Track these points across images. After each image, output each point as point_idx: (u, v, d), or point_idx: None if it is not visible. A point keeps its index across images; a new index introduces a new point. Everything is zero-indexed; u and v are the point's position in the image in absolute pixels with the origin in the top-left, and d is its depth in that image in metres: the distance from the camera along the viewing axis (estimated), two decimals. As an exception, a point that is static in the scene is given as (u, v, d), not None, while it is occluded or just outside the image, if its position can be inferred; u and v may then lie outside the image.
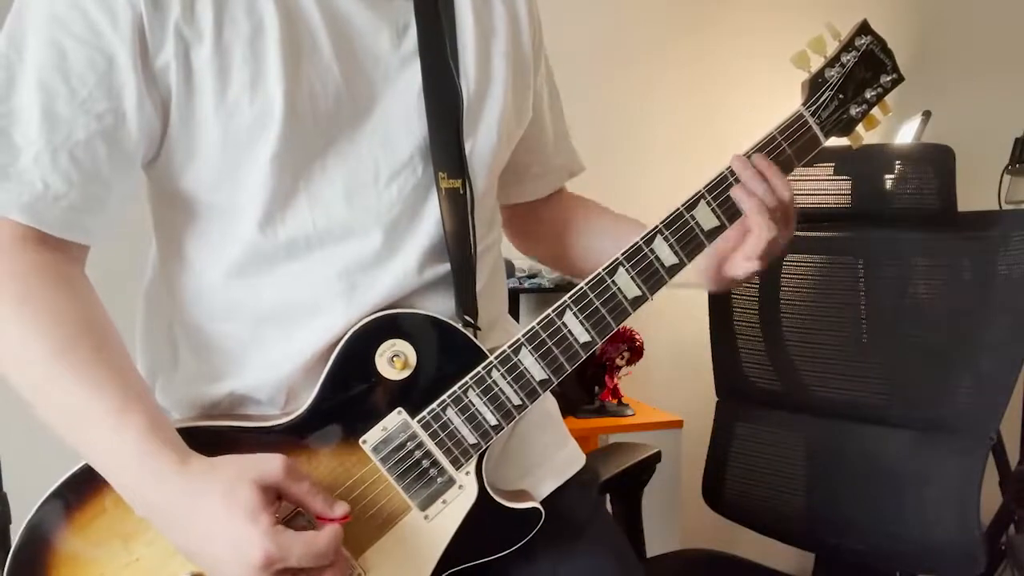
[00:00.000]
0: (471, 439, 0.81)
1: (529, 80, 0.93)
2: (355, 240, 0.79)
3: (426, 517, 0.81)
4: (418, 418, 0.80)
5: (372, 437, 0.79)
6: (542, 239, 1.08)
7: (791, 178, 1.46)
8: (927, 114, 2.22)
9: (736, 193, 0.87)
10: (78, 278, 0.76)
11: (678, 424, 2.06)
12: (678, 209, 0.86)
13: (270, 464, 0.70)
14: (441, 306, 0.82)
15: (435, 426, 0.80)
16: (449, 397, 0.80)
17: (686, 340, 2.15)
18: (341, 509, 0.73)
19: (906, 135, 2.25)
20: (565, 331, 0.83)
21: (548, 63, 1.01)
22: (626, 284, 0.84)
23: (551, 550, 0.89)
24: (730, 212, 0.88)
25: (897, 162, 1.46)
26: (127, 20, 0.70)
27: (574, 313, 0.83)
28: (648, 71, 2.40)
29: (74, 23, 0.71)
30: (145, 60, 0.72)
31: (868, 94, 0.94)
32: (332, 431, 0.79)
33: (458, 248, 0.82)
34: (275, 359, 0.80)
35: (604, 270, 0.84)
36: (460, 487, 0.81)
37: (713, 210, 0.87)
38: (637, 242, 0.85)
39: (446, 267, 0.83)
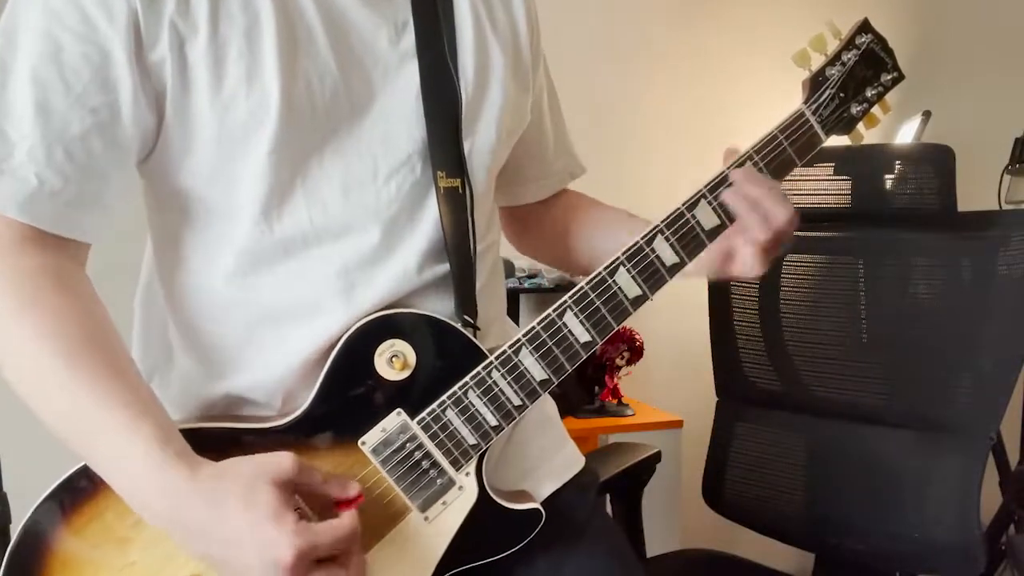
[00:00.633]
0: (471, 440, 0.81)
1: (528, 79, 0.93)
2: (353, 237, 0.79)
3: (426, 518, 0.80)
4: (418, 419, 0.79)
5: (371, 438, 0.79)
6: (544, 240, 1.08)
7: (791, 178, 1.46)
8: (927, 114, 2.22)
9: (729, 197, 0.86)
10: (81, 281, 0.75)
11: (678, 424, 2.06)
12: (679, 208, 0.86)
13: (282, 462, 0.70)
14: (440, 306, 0.82)
15: (435, 427, 0.80)
16: (449, 398, 0.80)
17: (686, 340, 2.15)
18: (354, 489, 0.74)
19: (906, 135, 2.25)
20: (566, 331, 0.83)
21: (547, 64, 1.00)
22: (627, 284, 0.84)
23: (551, 551, 0.89)
24: (731, 211, 0.87)
25: (897, 162, 1.46)
26: (122, 14, 0.70)
27: (575, 313, 0.83)
28: (646, 68, 2.40)
29: (69, 17, 0.70)
30: (140, 54, 0.72)
31: (868, 92, 0.94)
32: (331, 432, 0.78)
33: (457, 248, 0.82)
34: (272, 359, 0.79)
35: (605, 270, 0.84)
36: (460, 488, 0.81)
37: (714, 209, 0.87)
38: (638, 241, 0.85)
39: (445, 267, 0.82)
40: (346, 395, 0.79)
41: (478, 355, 0.81)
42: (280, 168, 0.76)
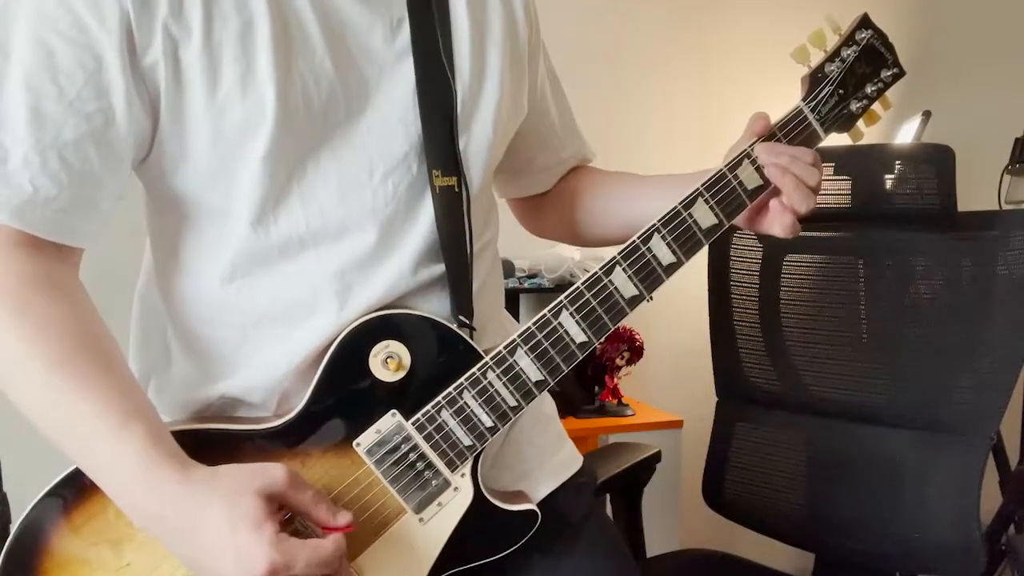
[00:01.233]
0: (466, 441, 0.80)
1: (525, 74, 0.92)
2: (349, 238, 0.79)
3: (421, 520, 0.80)
4: (412, 420, 0.79)
5: (366, 439, 0.79)
6: (556, 220, 1.06)
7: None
8: (927, 114, 2.22)
9: (771, 171, 0.86)
10: (74, 287, 0.75)
11: (678, 424, 2.06)
12: (675, 207, 0.85)
13: (273, 474, 0.69)
14: (436, 306, 0.82)
15: (430, 428, 0.79)
16: (444, 399, 0.80)
17: (686, 340, 2.15)
18: (344, 518, 0.73)
19: (906, 135, 2.25)
20: (561, 331, 0.82)
21: (548, 57, 1.00)
22: (623, 283, 0.84)
23: (548, 552, 0.88)
24: (728, 210, 0.87)
25: (897, 162, 1.46)
26: (115, 18, 0.70)
27: (570, 313, 0.82)
28: (646, 68, 2.40)
29: (61, 21, 0.70)
30: (133, 58, 0.71)
31: (868, 89, 0.93)
32: (325, 434, 0.78)
33: (453, 247, 0.82)
34: (268, 361, 0.79)
35: (601, 269, 0.83)
36: (455, 489, 0.81)
37: (711, 208, 0.86)
38: (634, 240, 0.84)
39: (441, 267, 0.82)
40: (341, 396, 0.78)
41: (473, 356, 0.81)
42: (276, 171, 0.76)
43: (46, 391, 0.70)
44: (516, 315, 1.99)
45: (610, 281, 0.83)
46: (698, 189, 0.86)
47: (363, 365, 0.78)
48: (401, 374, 0.79)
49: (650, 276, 0.84)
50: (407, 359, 0.79)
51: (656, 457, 1.49)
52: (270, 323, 0.79)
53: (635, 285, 0.84)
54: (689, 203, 0.86)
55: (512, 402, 0.81)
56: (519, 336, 0.81)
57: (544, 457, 0.95)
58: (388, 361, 0.78)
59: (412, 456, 0.79)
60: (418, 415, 0.79)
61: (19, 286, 0.71)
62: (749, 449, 1.59)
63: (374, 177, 0.79)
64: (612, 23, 2.36)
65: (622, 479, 1.43)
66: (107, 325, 0.75)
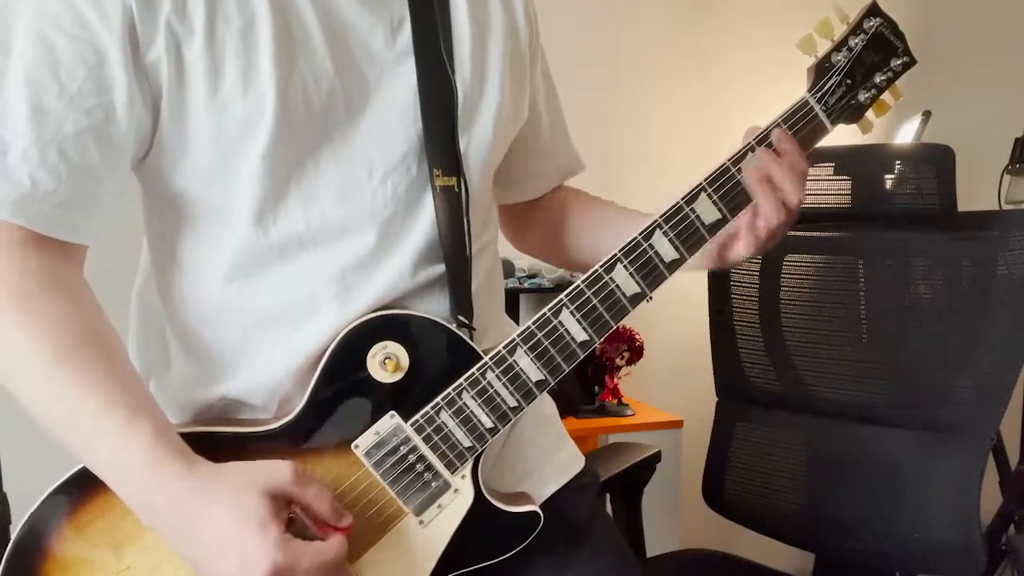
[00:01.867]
0: (466, 442, 0.80)
1: (526, 76, 0.92)
2: (349, 240, 0.78)
3: (421, 522, 0.80)
4: (411, 421, 0.79)
5: (364, 441, 0.78)
6: (541, 237, 1.06)
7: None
8: (927, 114, 2.22)
9: (748, 176, 0.84)
10: (78, 284, 0.75)
11: (678, 424, 2.06)
12: (678, 202, 0.84)
13: (279, 472, 0.70)
14: (436, 307, 0.81)
15: (429, 429, 0.79)
16: (443, 399, 0.79)
17: (686, 340, 2.15)
18: (347, 520, 0.73)
19: (906, 135, 2.25)
20: (562, 330, 0.81)
21: (545, 60, 1.00)
22: (624, 281, 0.83)
23: (552, 554, 0.88)
24: (732, 204, 0.85)
25: (897, 162, 1.46)
26: (117, 15, 0.70)
27: (571, 312, 0.82)
28: (645, 71, 2.40)
29: (63, 17, 0.70)
30: (136, 55, 0.71)
31: (878, 78, 0.90)
32: (324, 435, 0.78)
33: (453, 247, 0.81)
34: (268, 363, 0.79)
35: (601, 267, 0.82)
36: (456, 491, 0.80)
37: (715, 203, 0.85)
38: (636, 237, 0.83)
39: (440, 268, 0.82)
40: (339, 398, 0.78)
41: (472, 356, 0.80)
42: (275, 170, 0.76)
43: (50, 387, 0.70)
44: (516, 315, 1.99)
45: (611, 279, 0.82)
46: (701, 184, 0.85)
47: (361, 366, 0.78)
48: (399, 375, 0.78)
49: (652, 273, 0.83)
50: (405, 360, 0.78)
51: (656, 457, 1.49)
52: (270, 324, 0.79)
53: (637, 282, 0.83)
54: (692, 198, 0.85)
55: (512, 402, 0.80)
56: (519, 335, 0.81)
57: (546, 458, 0.95)
58: (386, 362, 0.78)
59: (411, 458, 0.79)
60: (417, 416, 0.79)
61: (23, 283, 0.71)
62: (749, 449, 1.59)
63: (374, 178, 0.79)
64: (611, 27, 2.36)
65: (622, 479, 1.43)
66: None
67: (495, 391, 0.80)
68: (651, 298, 0.84)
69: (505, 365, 0.80)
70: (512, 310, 2.03)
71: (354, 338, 0.78)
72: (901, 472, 1.42)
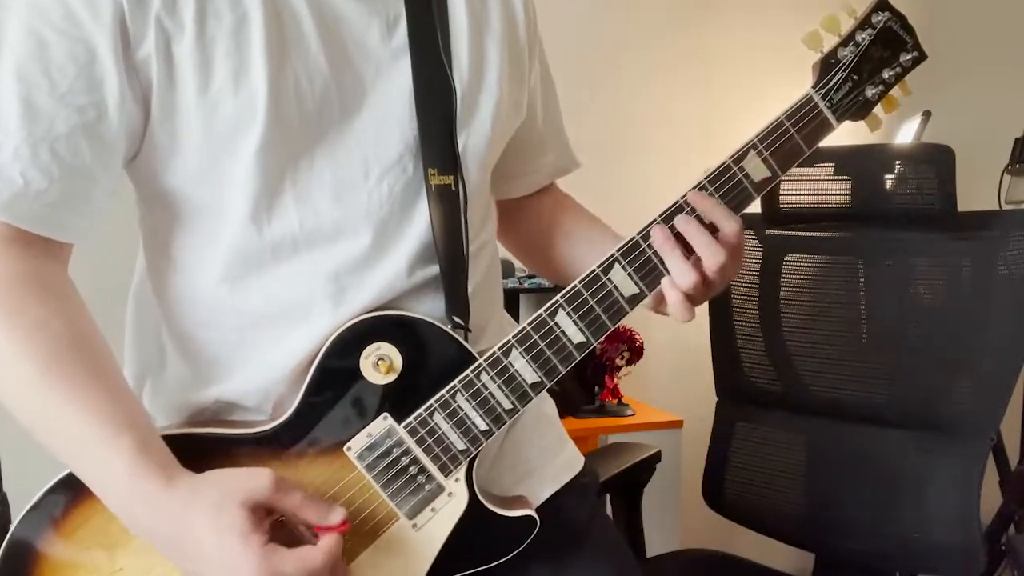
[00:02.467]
0: (460, 445, 0.79)
1: (525, 73, 0.91)
2: (343, 241, 0.78)
3: (414, 526, 0.79)
4: (404, 423, 0.78)
5: (357, 443, 0.78)
6: (525, 236, 1.05)
7: (791, 177, 1.45)
8: (927, 114, 2.21)
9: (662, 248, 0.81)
10: (63, 284, 0.75)
11: (678, 424, 2.05)
12: (677, 202, 0.83)
13: (257, 481, 0.69)
14: (431, 308, 0.81)
15: (422, 432, 0.78)
16: (436, 402, 0.78)
17: (686, 340, 2.15)
18: (338, 516, 0.72)
19: (906, 135, 2.25)
20: (558, 331, 0.80)
21: (543, 57, 0.99)
22: (622, 281, 0.82)
23: (549, 556, 0.87)
24: (734, 203, 0.84)
25: (897, 162, 1.46)
26: (108, 11, 0.69)
27: (567, 313, 0.81)
28: (645, 72, 2.39)
29: (54, 14, 0.70)
30: (127, 52, 0.71)
31: (886, 74, 0.88)
32: (316, 437, 0.77)
33: (448, 248, 0.81)
34: (262, 364, 0.79)
35: (599, 267, 0.81)
36: (450, 494, 0.79)
37: (716, 201, 0.83)
38: (634, 237, 0.82)
39: (436, 268, 0.81)
40: (332, 399, 0.77)
41: (467, 357, 0.79)
42: (268, 169, 0.75)
43: (37, 394, 0.70)
44: (516, 315, 1.99)
45: (609, 279, 0.81)
46: (702, 182, 0.84)
47: (354, 367, 0.77)
48: (392, 376, 0.77)
49: (651, 273, 0.82)
50: (398, 361, 0.78)
51: (656, 457, 1.49)
52: (266, 325, 0.79)
53: (635, 283, 0.82)
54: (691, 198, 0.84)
55: (507, 404, 0.80)
56: (514, 337, 0.80)
57: (546, 458, 0.94)
58: (379, 363, 0.77)
59: (404, 460, 0.78)
60: (410, 418, 0.78)
61: (8, 285, 0.71)
62: (749, 449, 1.58)
63: (370, 178, 0.78)
64: (612, 27, 2.35)
65: (622, 479, 1.43)
66: (100, 325, 0.75)
67: (489, 393, 0.79)
68: (650, 297, 0.83)
69: (500, 367, 0.79)
70: (512, 310, 2.03)
71: (347, 339, 0.77)
72: (901, 472, 1.42)
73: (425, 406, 0.78)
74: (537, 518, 0.82)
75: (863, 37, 0.87)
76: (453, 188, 0.81)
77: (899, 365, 1.45)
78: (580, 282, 0.81)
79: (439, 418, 0.78)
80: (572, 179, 1.07)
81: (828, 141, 0.91)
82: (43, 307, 0.71)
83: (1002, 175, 2.34)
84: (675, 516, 2.01)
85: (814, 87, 0.87)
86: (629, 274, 0.82)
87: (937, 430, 1.39)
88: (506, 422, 0.80)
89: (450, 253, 0.81)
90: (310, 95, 0.75)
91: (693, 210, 0.83)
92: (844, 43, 0.87)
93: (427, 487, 0.79)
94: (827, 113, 0.87)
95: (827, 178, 1.49)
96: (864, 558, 1.47)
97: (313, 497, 0.72)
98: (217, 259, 0.78)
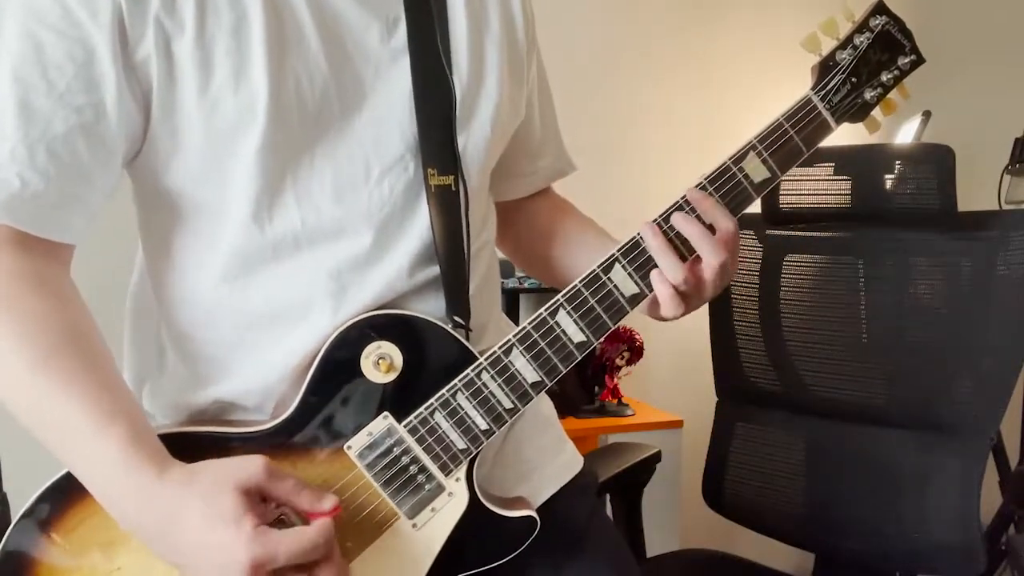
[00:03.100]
0: (460, 444, 0.79)
1: (523, 74, 0.92)
2: (344, 240, 0.78)
3: (415, 525, 0.79)
4: (404, 423, 0.78)
5: (357, 443, 0.78)
6: (524, 242, 1.05)
7: (791, 177, 1.45)
8: (927, 114, 2.21)
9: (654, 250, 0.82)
10: (63, 283, 0.75)
11: (678, 424, 2.05)
12: (677, 203, 0.83)
13: (250, 467, 0.69)
14: (432, 307, 0.81)
15: (422, 431, 0.78)
16: (437, 401, 0.78)
17: (686, 340, 2.15)
18: (330, 502, 0.71)
19: (906, 135, 2.25)
20: (558, 331, 0.81)
21: (540, 59, 0.99)
22: (623, 281, 0.82)
23: (549, 557, 0.87)
24: (733, 204, 0.85)
25: (897, 162, 1.46)
26: (106, 12, 0.69)
27: (568, 312, 0.81)
28: (645, 73, 2.39)
29: (52, 14, 0.69)
30: (125, 52, 0.71)
31: (884, 77, 0.89)
32: (317, 436, 0.77)
33: (449, 248, 0.81)
34: (262, 364, 0.79)
35: (599, 267, 0.82)
36: (450, 494, 0.79)
37: (716, 201, 0.83)
38: (634, 237, 0.82)
39: (437, 268, 0.81)
40: (332, 398, 0.78)
41: (467, 357, 0.79)
42: (269, 169, 0.75)
43: (31, 387, 0.70)
44: (516, 315, 1.99)
45: (609, 279, 0.82)
46: (702, 182, 0.85)
47: (354, 366, 0.77)
48: (393, 375, 0.78)
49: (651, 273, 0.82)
50: (399, 360, 0.78)
51: (656, 457, 1.49)
52: (266, 324, 0.79)
53: (635, 282, 0.82)
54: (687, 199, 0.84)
55: (507, 404, 0.80)
56: (515, 336, 0.80)
57: (546, 458, 0.94)
58: (380, 362, 0.77)
59: (405, 459, 0.78)
60: (411, 418, 0.78)
61: (6, 282, 0.71)
62: (749, 449, 1.58)
63: (370, 178, 0.79)
64: (612, 31, 2.35)
65: (622, 479, 1.43)
66: (99, 325, 0.75)
67: (490, 392, 0.79)
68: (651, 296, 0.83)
69: (500, 366, 0.80)
70: (512, 310, 2.03)
71: (348, 338, 0.77)
72: (901, 472, 1.42)
73: (426, 405, 0.78)
74: (538, 519, 0.82)
75: (861, 40, 0.88)
76: (453, 188, 0.81)
77: (899, 365, 1.45)
78: (581, 281, 0.82)
79: (440, 417, 0.79)
80: (572, 179, 1.07)
81: (828, 141, 0.92)
82: (41, 302, 0.71)
83: (1002, 175, 2.34)
84: (675, 516, 2.02)
85: (813, 89, 0.88)
86: (629, 274, 0.82)
87: (937, 430, 1.39)
88: (507, 421, 0.80)
89: (451, 253, 0.81)
90: (310, 95, 0.76)
91: (693, 209, 0.83)
92: (842, 46, 0.88)
93: (427, 487, 0.79)
94: (826, 115, 0.87)
95: (827, 178, 1.49)
96: (864, 558, 1.47)
97: (305, 483, 0.71)
98: (217, 259, 0.78)
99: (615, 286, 0.82)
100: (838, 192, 1.48)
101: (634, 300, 0.83)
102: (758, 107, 0.91)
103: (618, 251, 0.82)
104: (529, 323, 0.81)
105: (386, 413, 0.78)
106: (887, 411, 1.45)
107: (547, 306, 0.81)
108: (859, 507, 1.46)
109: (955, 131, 1.84)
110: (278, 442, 0.77)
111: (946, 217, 1.39)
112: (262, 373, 0.79)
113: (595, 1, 2.34)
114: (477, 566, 0.82)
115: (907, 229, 1.43)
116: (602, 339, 0.83)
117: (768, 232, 1.55)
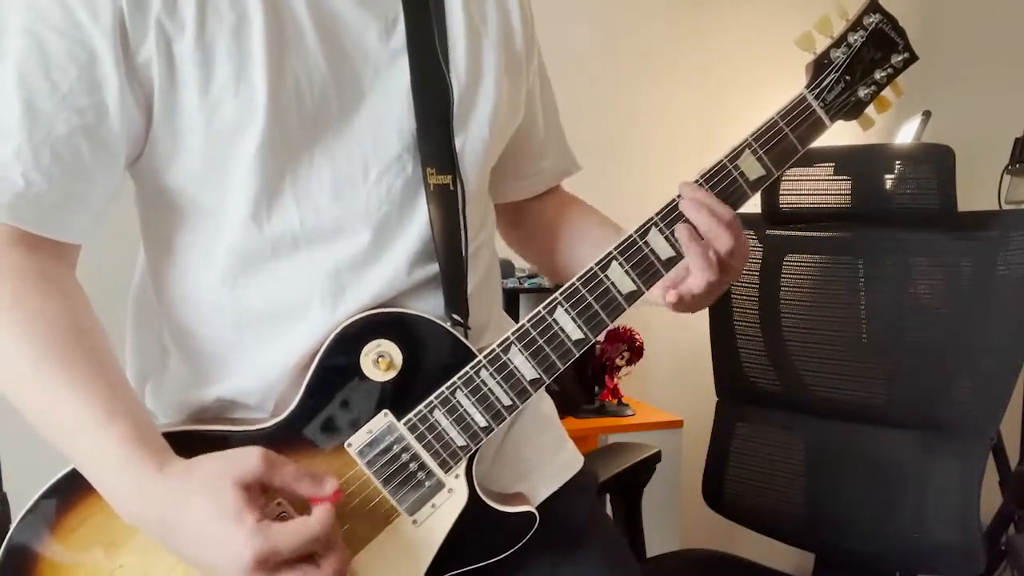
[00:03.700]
0: (460, 441, 0.79)
1: (522, 74, 0.92)
2: (343, 239, 0.78)
3: (415, 522, 0.79)
4: (404, 420, 0.78)
5: (357, 440, 0.78)
6: (532, 239, 1.06)
7: (791, 177, 1.45)
8: (927, 114, 2.21)
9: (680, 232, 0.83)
10: (68, 282, 0.75)
11: (678, 424, 2.06)
12: (674, 201, 0.84)
13: (248, 460, 0.69)
14: (431, 306, 0.81)
15: (422, 428, 0.79)
16: (436, 398, 0.79)
17: (686, 340, 2.15)
18: (330, 485, 0.71)
19: (906, 135, 2.25)
20: (556, 328, 0.81)
21: (542, 59, 0.99)
22: (620, 278, 0.82)
23: (548, 555, 0.87)
24: (730, 200, 0.85)
25: (897, 162, 1.46)
26: (108, 14, 0.70)
27: (565, 309, 0.81)
28: (644, 71, 2.40)
29: (54, 16, 0.70)
30: (127, 54, 0.71)
31: (878, 75, 0.90)
32: (317, 434, 0.78)
33: (447, 247, 0.81)
34: (263, 363, 0.79)
35: (597, 264, 0.82)
36: (450, 490, 0.80)
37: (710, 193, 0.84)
38: (631, 235, 0.83)
39: (435, 267, 0.81)
40: (332, 396, 0.78)
41: (466, 354, 0.80)
42: (268, 168, 0.75)
43: (35, 384, 0.70)
44: (516, 315, 1.99)
45: (606, 276, 0.82)
46: (698, 180, 0.85)
47: (354, 365, 0.78)
48: (392, 373, 0.78)
49: (648, 271, 0.83)
50: (398, 358, 0.78)
51: (656, 457, 1.49)
52: (266, 323, 0.79)
53: (632, 280, 0.83)
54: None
55: (507, 401, 0.80)
56: (513, 334, 0.80)
57: (545, 457, 0.94)
58: (379, 360, 0.77)
59: (404, 456, 0.79)
60: (410, 415, 0.79)
61: (12, 281, 0.71)
62: (749, 449, 1.59)
63: (369, 177, 0.79)
64: (611, 29, 2.36)
65: (622, 479, 1.43)
66: (103, 324, 0.75)
67: (489, 389, 0.80)
68: (647, 294, 0.83)
69: (499, 363, 0.80)
70: (512, 310, 2.03)
71: (347, 336, 0.78)
72: (901, 472, 1.42)
73: (425, 403, 0.79)
74: (537, 514, 0.83)
75: (855, 39, 0.89)
76: (451, 188, 0.82)
77: (899, 365, 1.45)
78: (578, 279, 0.82)
79: (439, 414, 0.79)
80: (572, 179, 1.07)
81: (828, 141, 0.92)
82: (45, 300, 0.72)
83: (1002, 175, 2.34)
84: (675, 516, 2.02)
85: (807, 87, 0.88)
86: (627, 271, 0.83)
87: (937, 430, 1.39)
88: (506, 418, 0.80)
89: (449, 252, 0.81)
90: (309, 95, 0.76)
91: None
92: (836, 44, 0.89)
93: (427, 483, 0.79)
94: (820, 113, 0.88)
95: (827, 178, 1.49)
96: (864, 558, 1.47)
97: (304, 469, 0.71)
98: (217, 258, 0.78)
99: (612, 284, 0.82)
100: (838, 192, 1.48)
101: (631, 298, 0.83)
102: (757, 106, 0.91)
103: (615, 249, 0.83)
104: (527, 321, 0.81)
105: (386, 411, 0.78)
106: (887, 411, 1.45)
107: (545, 304, 0.82)
108: (859, 507, 1.46)
109: (955, 131, 1.84)
110: (279, 440, 0.77)
111: (946, 217, 1.39)
112: (262, 372, 0.79)
113: (595, 1, 2.34)
114: (477, 561, 0.82)
115: (907, 229, 1.43)
116: (600, 336, 0.83)
117: (768, 232, 1.55)
